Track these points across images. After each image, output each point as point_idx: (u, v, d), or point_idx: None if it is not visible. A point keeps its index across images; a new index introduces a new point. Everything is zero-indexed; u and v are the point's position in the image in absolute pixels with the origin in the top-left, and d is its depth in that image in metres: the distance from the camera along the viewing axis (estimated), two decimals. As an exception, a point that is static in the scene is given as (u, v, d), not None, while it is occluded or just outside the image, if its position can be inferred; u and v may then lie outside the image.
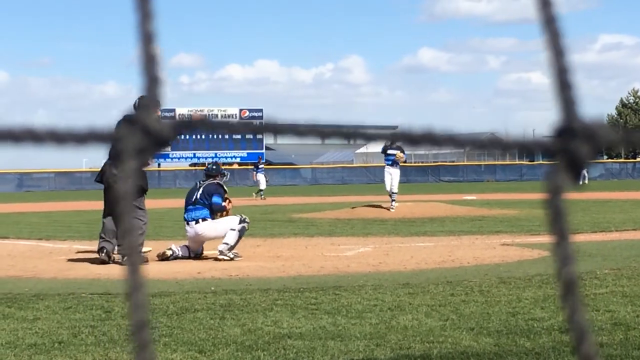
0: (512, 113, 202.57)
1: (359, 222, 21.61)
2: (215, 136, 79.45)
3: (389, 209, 25.11)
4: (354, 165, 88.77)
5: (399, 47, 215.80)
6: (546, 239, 15.58)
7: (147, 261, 12.45)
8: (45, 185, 70.05)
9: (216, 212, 13.32)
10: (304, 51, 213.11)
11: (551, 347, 6.30)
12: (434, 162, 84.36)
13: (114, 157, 12.38)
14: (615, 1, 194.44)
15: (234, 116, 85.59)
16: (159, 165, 78.76)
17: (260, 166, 42.44)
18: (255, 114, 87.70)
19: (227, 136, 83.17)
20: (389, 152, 26.15)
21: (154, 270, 11.62)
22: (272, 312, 8.03)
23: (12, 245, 16.04)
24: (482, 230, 18.17)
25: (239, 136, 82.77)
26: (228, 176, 14.23)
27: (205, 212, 13.19)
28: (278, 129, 0.74)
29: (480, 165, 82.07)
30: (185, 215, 13.35)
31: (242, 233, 13.06)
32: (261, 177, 41.53)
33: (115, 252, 12.62)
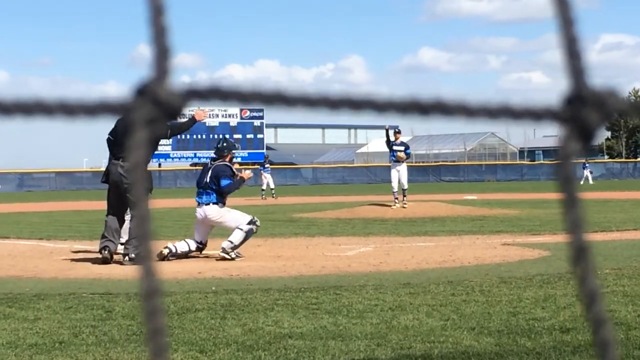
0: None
1: (359, 221, 21.61)
2: (215, 136, 79.31)
3: (401, 206, 25.17)
4: (355, 165, 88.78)
5: (400, 46, 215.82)
6: (547, 238, 15.60)
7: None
8: (46, 185, 70.07)
9: (226, 194, 13.26)
10: (305, 51, 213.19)
11: (552, 347, 6.30)
12: (435, 161, 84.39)
13: (119, 151, 12.42)
14: (617, 1, 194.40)
15: (235, 116, 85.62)
16: (159, 165, 78.77)
17: (266, 165, 42.41)
18: (256, 114, 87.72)
19: (227, 135, 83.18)
20: (394, 147, 26.15)
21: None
22: (273, 311, 8.02)
23: (12, 245, 16.04)
24: (483, 230, 18.17)
25: (239, 135, 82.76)
26: (239, 148, 14.07)
27: (214, 197, 13.15)
28: (289, 99, 0.74)
29: (481, 165, 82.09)
30: (196, 198, 13.33)
31: (249, 235, 13.03)
32: (267, 176, 41.52)
33: (118, 251, 12.63)
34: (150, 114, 0.72)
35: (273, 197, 39.87)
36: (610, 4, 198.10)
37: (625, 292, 8.83)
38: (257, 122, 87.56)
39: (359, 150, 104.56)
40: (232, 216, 13.14)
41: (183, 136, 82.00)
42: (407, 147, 26.53)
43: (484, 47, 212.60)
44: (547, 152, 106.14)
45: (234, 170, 13.43)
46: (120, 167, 12.44)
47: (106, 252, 12.42)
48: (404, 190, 25.76)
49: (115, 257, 12.61)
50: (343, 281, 10.14)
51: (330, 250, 14.05)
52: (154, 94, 0.72)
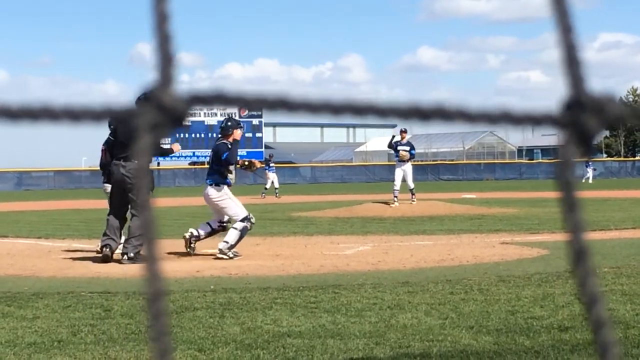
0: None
1: (358, 220, 21.61)
2: (214, 134, 79.21)
3: (410, 202, 25.41)
4: (354, 164, 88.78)
5: (399, 46, 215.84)
6: (545, 237, 15.60)
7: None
8: (45, 184, 70.03)
9: (227, 166, 13.23)
10: (304, 50, 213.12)
11: (550, 346, 6.30)
12: (434, 160, 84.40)
13: (120, 151, 12.44)
14: (615, 0, 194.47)
15: (234, 115, 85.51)
16: (158, 164, 78.73)
17: (271, 164, 42.36)
18: (254, 113, 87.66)
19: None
20: (399, 148, 26.17)
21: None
22: (272, 310, 8.03)
23: (11, 244, 16.03)
24: (481, 228, 18.17)
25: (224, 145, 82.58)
26: (244, 128, 13.98)
27: (215, 177, 13.18)
28: (291, 105, 0.75)
29: (480, 163, 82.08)
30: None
31: (243, 233, 13.04)
32: (272, 176, 41.47)
33: (118, 250, 12.64)
34: (155, 120, 0.73)
35: (276, 196, 39.79)
36: (609, 2, 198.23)
37: (624, 290, 8.84)
38: (255, 121, 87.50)
39: (357, 149, 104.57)
40: (230, 204, 13.14)
41: (182, 135, 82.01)
42: (412, 147, 26.50)
43: (483, 46, 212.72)
44: (545, 151, 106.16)
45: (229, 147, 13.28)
46: (122, 167, 12.50)
47: (107, 250, 12.45)
48: (411, 189, 25.96)
49: (114, 256, 12.62)
50: (342, 280, 10.14)
51: (329, 249, 14.06)
52: (158, 100, 0.73)
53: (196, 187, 55.51)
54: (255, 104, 0.76)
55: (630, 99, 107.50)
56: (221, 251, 12.79)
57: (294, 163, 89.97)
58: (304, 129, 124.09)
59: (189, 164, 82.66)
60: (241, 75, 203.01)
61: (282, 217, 23.75)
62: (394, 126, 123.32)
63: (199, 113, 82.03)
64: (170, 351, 0.73)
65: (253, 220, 13.25)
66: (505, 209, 25.58)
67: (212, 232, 13.28)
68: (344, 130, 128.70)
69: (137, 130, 0.73)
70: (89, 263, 12.56)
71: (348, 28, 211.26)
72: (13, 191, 64.33)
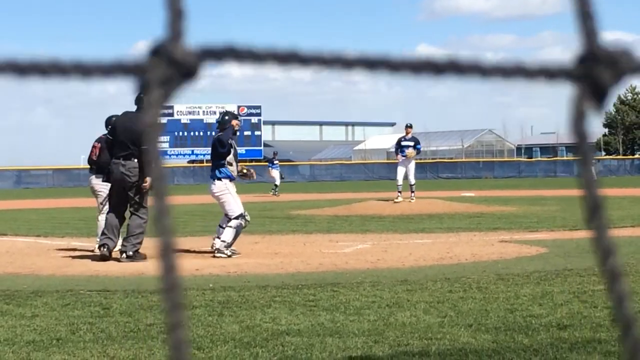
0: (510, 110, 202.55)
1: (357, 218, 21.62)
2: (212, 133, 79.42)
3: (409, 200, 25.42)
4: (353, 162, 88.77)
5: (398, 44, 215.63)
6: (544, 235, 15.61)
7: (145, 258, 12.46)
8: (44, 182, 70.00)
9: (223, 158, 13.23)
10: (303, 48, 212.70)
11: (549, 344, 6.31)
12: (433, 158, 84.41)
13: (119, 150, 12.46)
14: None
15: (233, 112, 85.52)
16: (157, 162, 78.62)
17: (275, 162, 42.34)
18: (254, 111, 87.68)
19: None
20: (403, 143, 26.10)
21: (151, 267, 11.63)
22: (271, 308, 8.03)
23: (10, 242, 16.04)
24: (480, 227, 18.18)
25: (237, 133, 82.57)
26: (241, 122, 13.99)
27: (215, 172, 13.20)
28: (304, 58, 0.75)
29: (479, 162, 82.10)
30: None
31: (239, 230, 13.03)
32: (276, 173, 41.46)
33: (116, 249, 12.63)
34: (165, 74, 0.72)
35: (275, 194, 39.80)
36: (607, 0, 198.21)
37: (622, 259, 8.83)
38: (254, 119, 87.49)
39: (356, 147, 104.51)
40: (229, 199, 13.12)
41: (181, 133, 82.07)
42: (417, 142, 26.28)
43: (482, 44, 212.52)
44: (544, 149, 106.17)
45: (222, 142, 13.27)
46: (122, 166, 12.50)
47: (105, 249, 12.44)
48: (411, 185, 25.89)
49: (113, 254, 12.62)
50: (340, 278, 10.15)
51: (328, 247, 14.06)
52: (169, 53, 0.72)
53: (195, 185, 55.51)
54: (266, 58, 0.75)
55: (629, 98, 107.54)
56: (219, 250, 12.79)
57: (293, 161, 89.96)
58: (302, 127, 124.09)
59: (188, 162, 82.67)
60: (240, 73, 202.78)
61: (281, 215, 23.75)
62: (393, 124, 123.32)
63: (198, 112, 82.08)
64: (186, 343, 0.73)
65: (248, 218, 13.25)
66: (504, 207, 25.59)
67: (240, 227, 13.25)
68: (343, 128, 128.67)
69: (148, 85, 0.72)
70: (88, 261, 12.56)
71: (347, 27, 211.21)
72: (12, 189, 64.33)
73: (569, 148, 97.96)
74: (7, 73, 0.72)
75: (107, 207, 13.25)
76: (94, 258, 12.65)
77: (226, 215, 13.12)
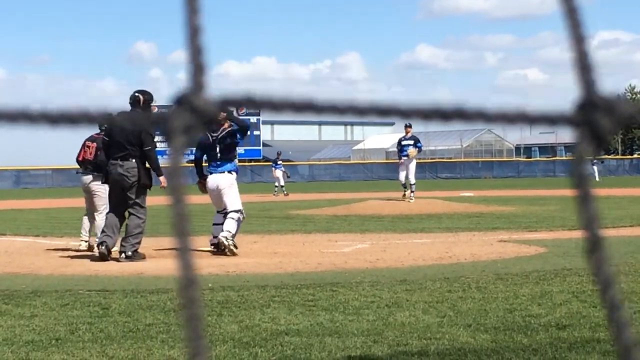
0: (510, 127, 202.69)
1: (356, 218, 21.62)
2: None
3: (407, 200, 25.54)
4: (351, 161, 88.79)
5: (397, 44, 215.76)
6: (543, 235, 15.61)
7: (144, 258, 12.47)
8: (43, 182, 70.02)
9: (235, 150, 13.63)
10: (302, 48, 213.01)
11: (548, 343, 6.31)
12: (432, 158, 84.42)
13: (116, 151, 12.46)
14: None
15: (232, 113, 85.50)
16: (156, 161, 78.74)
17: (278, 162, 42.37)
18: (252, 110, 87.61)
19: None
20: (403, 143, 26.21)
21: (150, 267, 11.63)
22: (270, 308, 8.03)
23: (9, 242, 16.04)
24: (479, 226, 18.18)
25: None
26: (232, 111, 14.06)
27: (228, 166, 13.46)
28: (319, 108, 0.79)
29: (478, 161, 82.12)
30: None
31: (239, 224, 13.21)
32: (279, 174, 41.48)
33: (115, 248, 12.62)
34: (188, 122, 0.78)
35: (275, 194, 39.86)
36: (606, 0, 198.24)
37: (622, 288, 8.85)
38: (253, 119, 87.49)
39: (355, 147, 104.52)
40: (235, 193, 13.33)
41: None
42: (417, 141, 26.41)
43: (481, 44, 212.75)
44: (543, 149, 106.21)
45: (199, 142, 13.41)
46: (119, 167, 12.49)
47: (103, 247, 12.42)
48: (411, 185, 26.00)
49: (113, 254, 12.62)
50: (339, 278, 10.15)
51: (327, 247, 14.06)
52: (191, 103, 0.78)
53: (194, 185, 55.38)
54: (283, 107, 0.80)
55: (628, 97, 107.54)
56: (226, 239, 12.84)
57: (292, 161, 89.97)
58: (301, 126, 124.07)
59: (187, 162, 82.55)
60: (239, 73, 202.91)
61: (280, 215, 23.76)
62: (392, 124, 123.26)
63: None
64: (204, 338, 0.75)
65: (244, 213, 13.41)
66: (503, 207, 25.59)
67: (239, 221, 13.33)
68: (342, 128, 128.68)
69: (171, 132, 0.78)
70: (87, 261, 12.56)
71: (346, 26, 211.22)
72: (11, 189, 64.34)
73: (568, 148, 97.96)
74: (40, 123, 0.78)
75: (106, 207, 13.26)
76: (93, 258, 12.64)
77: (224, 208, 13.22)
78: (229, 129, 13.38)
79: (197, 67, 0.79)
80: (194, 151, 13.42)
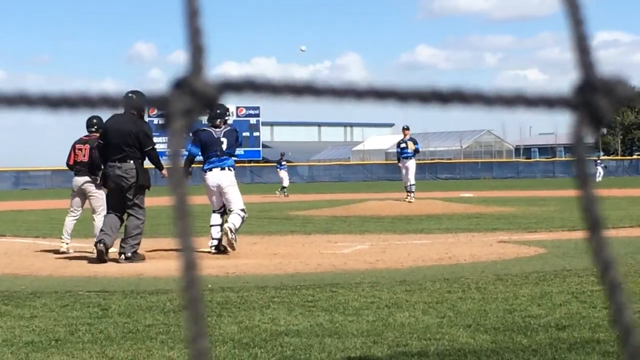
0: (508, 110, 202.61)
1: (355, 219, 21.62)
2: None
3: (407, 200, 25.77)
4: (351, 162, 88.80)
5: (397, 44, 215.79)
6: (543, 236, 15.62)
7: (144, 259, 12.46)
8: (42, 183, 70.01)
9: (237, 148, 13.82)
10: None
11: (548, 344, 6.31)
12: (431, 159, 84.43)
13: (113, 153, 12.45)
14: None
15: (231, 114, 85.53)
16: (155, 163, 78.73)
17: (282, 163, 42.36)
18: (252, 111, 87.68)
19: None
20: (402, 145, 26.51)
21: (150, 268, 11.63)
22: (269, 309, 8.03)
23: (9, 243, 16.04)
24: (479, 227, 18.18)
25: (244, 134, 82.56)
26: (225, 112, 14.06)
27: (230, 162, 13.60)
28: (319, 91, 0.79)
29: (477, 162, 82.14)
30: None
31: (243, 221, 13.36)
32: (284, 174, 41.51)
33: (114, 249, 12.60)
34: (187, 105, 0.77)
35: (281, 194, 40.04)
36: (606, 1, 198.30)
37: (621, 270, 8.83)
38: (253, 120, 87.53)
39: (355, 148, 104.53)
40: (237, 191, 13.49)
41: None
42: (415, 142, 26.83)
43: (481, 44, 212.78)
44: (543, 150, 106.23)
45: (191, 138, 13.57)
46: (117, 169, 12.46)
47: (101, 245, 12.35)
48: (411, 185, 26.17)
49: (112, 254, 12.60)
50: (339, 279, 10.15)
51: (327, 248, 14.06)
52: (191, 86, 0.77)
53: (193, 186, 55.27)
54: (283, 90, 0.79)
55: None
56: (230, 231, 12.92)
57: (292, 162, 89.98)
58: (301, 127, 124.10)
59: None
60: (238, 73, 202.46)
61: (280, 216, 23.76)
62: (391, 125, 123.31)
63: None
64: (205, 336, 0.75)
65: (247, 212, 13.52)
66: (502, 208, 25.60)
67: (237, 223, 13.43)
68: (342, 129, 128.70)
69: (171, 116, 0.78)
70: (86, 262, 12.55)
71: (345, 26, 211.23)
72: (11, 190, 64.33)
73: (568, 149, 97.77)
74: (39, 106, 0.76)
75: (104, 209, 13.29)
76: (93, 260, 12.63)
77: (222, 207, 13.30)
78: (229, 127, 13.56)
79: (196, 49, 0.78)
80: (190, 148, 13.39)
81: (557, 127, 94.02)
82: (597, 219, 0.78)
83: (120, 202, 12.60)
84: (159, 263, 12.19)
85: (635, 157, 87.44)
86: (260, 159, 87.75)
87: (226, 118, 13.73)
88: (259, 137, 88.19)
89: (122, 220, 12.74)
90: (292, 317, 7.59)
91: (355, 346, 6.42)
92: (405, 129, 26.79)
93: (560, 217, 20.77)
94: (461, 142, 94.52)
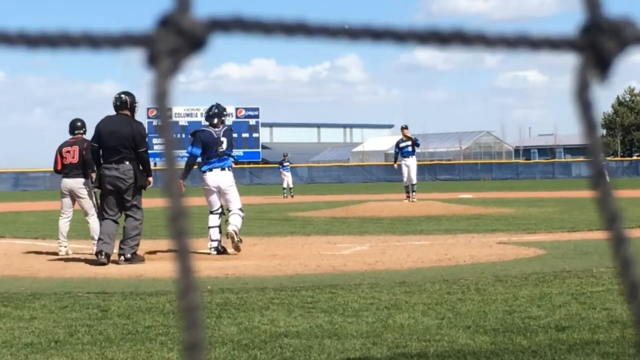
0: (508, 111, 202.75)
1: (355, 220, 21.61)
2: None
3: (411, 200, 25.91)
4: (350, 164, 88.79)
5: (395, 47, 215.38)
6: (542, 237, 15.62)
7: (143, 260, 12.45)
8: (41, 185, 69.97)
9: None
10: (301, 50, 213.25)
11: (548, 345, 6.31)
12: (431, 160, 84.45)
13: (110, 155, 12.42)
14: (611, 0, 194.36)
15: (230, 115, 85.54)
16: (155, 164, 78.71)
17: (285, 164, 42.36)
18: (251, 113, 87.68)
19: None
20: (401, 145, 26.63)
21: (149, 269, 11.63)
22: (269, 310, 8.02)
23: (8, 245, 16.03)
24: (478, 228, 18.18)
25: (235, 135, 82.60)
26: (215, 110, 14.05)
27: (229, 162, 13.70)
28: (310, 29, 0.75)
29: (477, 163, 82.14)
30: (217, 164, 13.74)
31: (242, 220, 13.42)
32: (287, 175, 41.52)
33: (114, 252, 12.56)
34: (174, 44, 0.73)
35: (288, 195, 40.06)
36: (605, 1, 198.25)
37: (621, 290, 8.82)
38: (252, 121, 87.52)
39: (354, 149, 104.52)
40: (236, 191, 13.58)
41: (178, 135, 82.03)
42: (415, 139, 27.02)
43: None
44: (542, 151, 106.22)
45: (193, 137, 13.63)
46: (114, 170, 12.40)
47: (103, 256, 12.29)
48: (412, 185, 26.33)
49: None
50: (339, 280, 10.14)
51: (326, 249, 14.06)
52: (177, 24, 0.73)
53: (191, 187, 55.37)
54: (274, 29, 0.75)
55: (628, 99, 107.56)
56: (236, 233, 12.98)
57: (291, 163, 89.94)
58: (300, 129, 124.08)
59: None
60: (238, 75, 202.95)
61: (279, 217, 23.76)
62: (391, 126, 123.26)
63: (196, 114, 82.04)
64: (202, 343, 0.73)
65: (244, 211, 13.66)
66: (502, 209, 25.60)
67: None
68: (341, 130, 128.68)
69: (157, 56, 0.73)
70: (86, 264, 12.55)
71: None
72: (10, 192, 64.32)
73: (567, 150, 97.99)
74: (18, 45, 0.73)
75: (94, 209, 13.33)
76: (92, 261, 12.61)
77: (220, 207, 13.34)
78: (227, 127, 13.60)
79: None
80: (191, 149, 13.37)
81: (557, 128, 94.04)
82: (602, 167, 0.77)
83: (117, 204, 12.55)
84: (159, 264, 12.18)
85: (634, 158, 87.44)
86: (260, 160, 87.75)
87: (223, 118, 13.73)
88: (258, 138, 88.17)
89: (117, 223, 12.68)
90: (292, 319, 7.59)
91: (354, 347, 6.42)
92: (404, 128, 26.90)
93: (559, 219, 20.77)
94: (460, 143, 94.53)
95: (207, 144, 13.31)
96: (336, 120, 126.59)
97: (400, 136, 27.51)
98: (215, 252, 13.21)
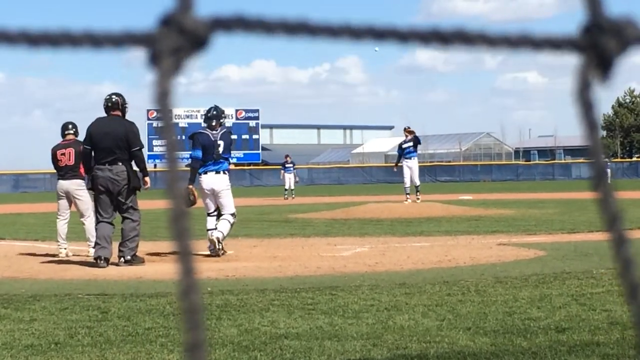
0: (508, 113, 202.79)
1: (355, 222, 21.61)
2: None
3: (416, 198, 26.03)
4: (350, 165, 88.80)
5: (396, 46, 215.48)
6: (542, 238, 15.62)
7: (143, 262, 12.45)
8: (41, 186, 69.95)
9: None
10: (301, 51, 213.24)
11: (548, 347, 6.31)
12: (430, 162, 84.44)
13: (103, 156, 12.38)
14: (610, 0, 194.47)
15: (230, 116, 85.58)
16: (155, 166, 78.74)
17: (287, 165, 42.34)
18: (251, 114, 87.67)
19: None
20: (404, 146, 26.71)
21: (149, 271, 11.63)
22: (269, 312, 8.03)
23: (8, 246, 16.03)
24: (478, 230, 18.18)
25: (235, 136, 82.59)
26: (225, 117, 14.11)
27: (226, 165, 13.60)
28: (312, 28, 0.75)
29: (477, 165, 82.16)
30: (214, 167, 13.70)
31: (232, 227, 13.42)
32: (289, 176, 41.50)
33: (113, 255, 12.52)
34: (176, 43, 0.73)
35: (292, 197, 40.05)
36: (605, 2, 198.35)
37: (621, 291, 8.83)
38: (252, 123, 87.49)
39: (354, 151, 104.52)
40: (231, 195, 13.52)
41: (179, 137, 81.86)
42: (417, 140, 27.12)
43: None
44: (542, 152, 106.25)
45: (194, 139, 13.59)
46: (108, 171, 12.35)
47: (102, 261, 12.26)
48: (416, 186, 26.48)
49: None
50: (339, 281, 10.14)
51: (326, 251, 14.06)
52: (179, 23, 0.73)
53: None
54: (276, 28, 0.75)
55: (628, 100, 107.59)
56: (218, 240, 12.97)
57: (295, 165, 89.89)
58: (300, 130, 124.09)
59: (186, 165, 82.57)
60: (238, 77, 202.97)
61: (279, 219, 23.76)
62: (391, 127, 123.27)
63: (196, 115, 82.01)
64: (203, 345, 0.73)
65: (236, 216, 13.60)
66: (502, 210, 25.60)
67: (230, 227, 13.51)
68: (341, 131, 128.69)
69: (159, 55, 0.73)
70: (86, 266, 12.54)
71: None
72: (10, 193, 64.33)
73: (567, 151, 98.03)
74: (20, 44, 0.73)
75: (91, 210, 13.32)
76: (92, 263, 12.60)
77: (215, 209, 13.32)
78: (225, 129, 13.58)
79: None
80: (193, 152, 13.37)
81: (557, 129, 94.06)
82: (603, 168, 0.77)
83: (111, 205, 12.50)
84: (159, 266, 12.18)
85: (634, 159, 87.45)
86: (260, 161, 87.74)
87: (222, 120, 13.68)
88: (258, 139, 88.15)
89: (112, 225, 12.63)
90: (292, 320, 7.59)
91: (354, 349, 6.42)
92: (407, 129, 27.03)
93: (559, 220, 20.78)
94: (460, 145, 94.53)
95: (204, 147, 13.30)
96: (336, 121, 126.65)
97: (403, 138, 27.69)
98: (214, 254, 13.21)
